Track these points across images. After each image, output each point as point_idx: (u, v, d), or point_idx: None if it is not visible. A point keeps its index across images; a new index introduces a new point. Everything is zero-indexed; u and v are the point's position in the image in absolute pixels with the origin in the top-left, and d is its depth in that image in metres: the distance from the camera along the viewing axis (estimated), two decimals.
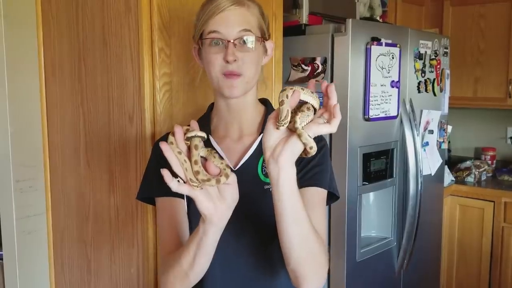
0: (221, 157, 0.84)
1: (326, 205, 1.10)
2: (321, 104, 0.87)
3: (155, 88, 1.51)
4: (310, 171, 1.04)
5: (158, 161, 1.11)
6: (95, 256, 1.75)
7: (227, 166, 0.83)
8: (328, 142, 2.00)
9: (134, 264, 1.61)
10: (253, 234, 1.07)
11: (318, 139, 0.88)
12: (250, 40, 1.02)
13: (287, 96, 0.82)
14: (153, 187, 1.11)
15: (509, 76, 3.10)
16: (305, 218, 0.90)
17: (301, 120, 0.82)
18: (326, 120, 0.83)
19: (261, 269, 1.08)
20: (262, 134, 1.08)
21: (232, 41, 1.00)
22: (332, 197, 1.12)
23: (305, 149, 0.84)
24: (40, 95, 1.83)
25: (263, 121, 1.11)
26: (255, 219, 1.06)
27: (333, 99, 0.83)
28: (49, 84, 1.82)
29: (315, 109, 0.85)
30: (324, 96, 0.84)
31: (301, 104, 0.84)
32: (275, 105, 1.83)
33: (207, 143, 0.89)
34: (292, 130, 0.84)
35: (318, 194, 1.06)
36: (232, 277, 1.08)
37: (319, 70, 2.01)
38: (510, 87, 3.08)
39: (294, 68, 2.08)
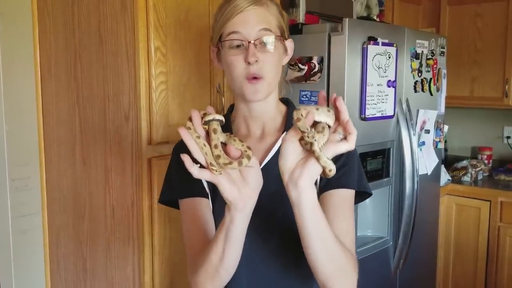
0: (241, 140, 0.81)
1: (358, 203, 1.08)
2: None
3: (151, 87, 1.51)
4: (336, 173, 1.03)
5: (179, 162, 1.10)
6: (91, 255, 1.74)
7: (248, 148, 0.80)
8: None
9: (130, 263, 1.60)
10: (281, 235, 1.04)
11: None
12: (270, 40, 1.01)
13: (302, 115, 0.78)
14: (175, 189, 1.09)
15: (505, 76, 3.09)
16: (330, 235, 0.88)
17: (318, 141, 0.79)
18: (342, 136, 0.81)
19: (289, 273, 1.05)
20: (284, 132, 1.06)
21: (252, 41, 0.99)
22: (362, 195, 1.09)
23: (324, 171, 0.82)
24: (36, 93, 1.82)
25: (285, 120, 1.10)
26: (282, 219, 1.03)
27: (344, 113, 0.80)
28: (45, 82, 1.81)
29: (329, 126, 0.82)
30: (334, 109, 0.82)
31: (316, 122, 0.81)
32: None
33: (225, 129, 0.86)
34: (310, 151, 0.81)
35: (345, 195, 1.03)
36: (258, 280, 1.05)
37: (315, 70, 2.00)
38: (506, 86, 3.08)
39: (290, 67, 2.07)
